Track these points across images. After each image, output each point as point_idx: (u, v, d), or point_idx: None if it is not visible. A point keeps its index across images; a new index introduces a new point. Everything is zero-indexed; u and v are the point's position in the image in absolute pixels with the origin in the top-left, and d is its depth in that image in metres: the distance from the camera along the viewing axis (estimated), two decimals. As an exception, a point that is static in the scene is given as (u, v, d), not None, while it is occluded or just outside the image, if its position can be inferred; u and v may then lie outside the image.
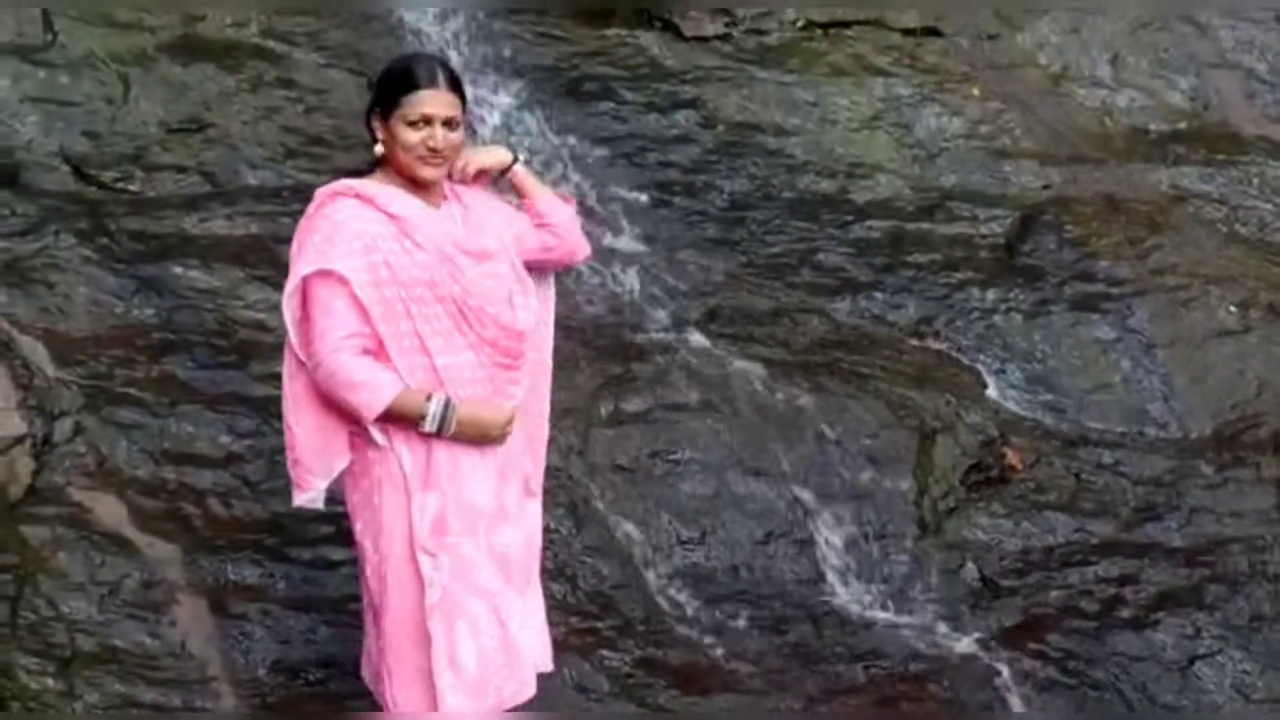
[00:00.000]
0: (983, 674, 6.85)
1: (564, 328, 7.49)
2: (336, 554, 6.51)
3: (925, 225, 8.76)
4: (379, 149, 5.28)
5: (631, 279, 8.01)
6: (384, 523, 5.22)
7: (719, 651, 6.68)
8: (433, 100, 5.23)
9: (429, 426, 5.11)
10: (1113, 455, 7.91)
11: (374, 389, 5.07)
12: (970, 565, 7.27)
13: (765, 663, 6.59)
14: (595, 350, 7.55)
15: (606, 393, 7.36)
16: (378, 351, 5.12)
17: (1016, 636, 7.04)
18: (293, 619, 6.32)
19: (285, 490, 6.47)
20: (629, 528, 6.95)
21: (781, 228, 8.51)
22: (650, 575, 6.84)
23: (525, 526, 5.53)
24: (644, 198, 8.39)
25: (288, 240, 7.40)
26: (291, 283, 5.14)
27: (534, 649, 5.46)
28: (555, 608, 6.54)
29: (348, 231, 5.11)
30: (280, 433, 6.56)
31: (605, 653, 6.52)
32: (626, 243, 8.24)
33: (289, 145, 7.93)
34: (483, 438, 5.21)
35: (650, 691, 6.44)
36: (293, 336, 5.19)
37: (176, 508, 6.50)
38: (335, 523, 6.55)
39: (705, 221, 8.48)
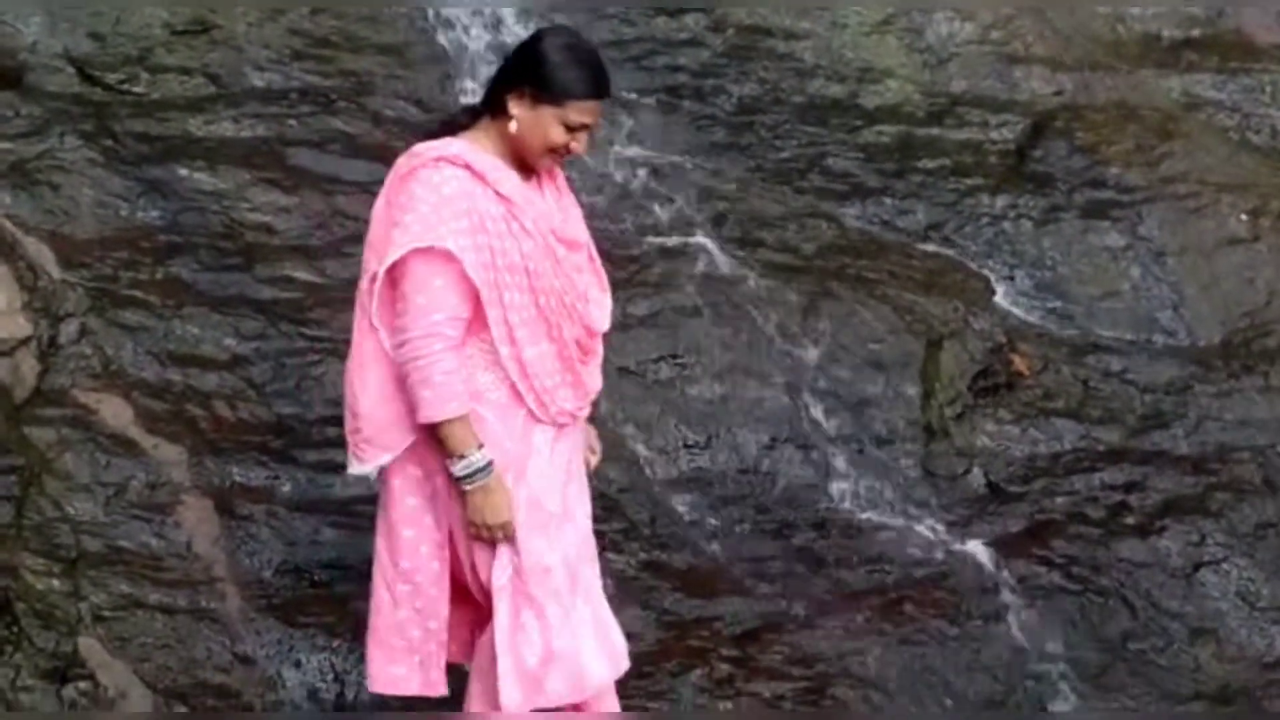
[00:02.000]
0: (987, 579, 6.87)
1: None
2: (341, 456, 6.46)
3: (935, 131, 8.70)
4: (513, 126, 4.89)
5: (639, 183, 7.96)
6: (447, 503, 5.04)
7: (724, 555, 6.70)
8: (597, 111, 5.01)
9: (458, 471, 4.85)
10: (1121, 362, 7.90)
11: (443, 398, 4.79)
12: (976, 471, 7.28)
13: (770, 567, 6.60)
14: (601, 254, 7.49)
15: (613, 296, 7.31)
16: (462, 338, 4.88)
17: (1021, 542, 7.05)
18: (298, 520, 6.33)
19: (291, 392, 6.54)
20: (635, 432, 6.95)
21: (790, 132, 8.45)
22: (656, 479, 6.84)
23: (581, 528, 5.26)
24: (652, 102, 8.32)
25: (295, 142, 7.50)
26: (394, 252, 4.78)
27: (591, 652, 5.16)
28: (561, 512, 6.57)
29: (457, 207, 4.80)
30: (287, 336, 6.68)
31: (611, 556, 6.50)
32: (634, 147, 8.19)
33: (295, 47, 7.84)
34: (478, 514, 4.90)
35: (655, 594, 6.46)
36: (374, 304, 4.89)
37: (182, 410, 6.50)
38: (341, 425, 6.56)
39: (714, 126, 8.42)
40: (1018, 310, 8.03)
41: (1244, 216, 8.81)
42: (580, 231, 5.19)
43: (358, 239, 7.08)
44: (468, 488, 4.87)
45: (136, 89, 7.57)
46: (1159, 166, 8.83)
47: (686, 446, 6.98)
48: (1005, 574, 6.90)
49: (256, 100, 7.65)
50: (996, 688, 6.52)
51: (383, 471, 5.08)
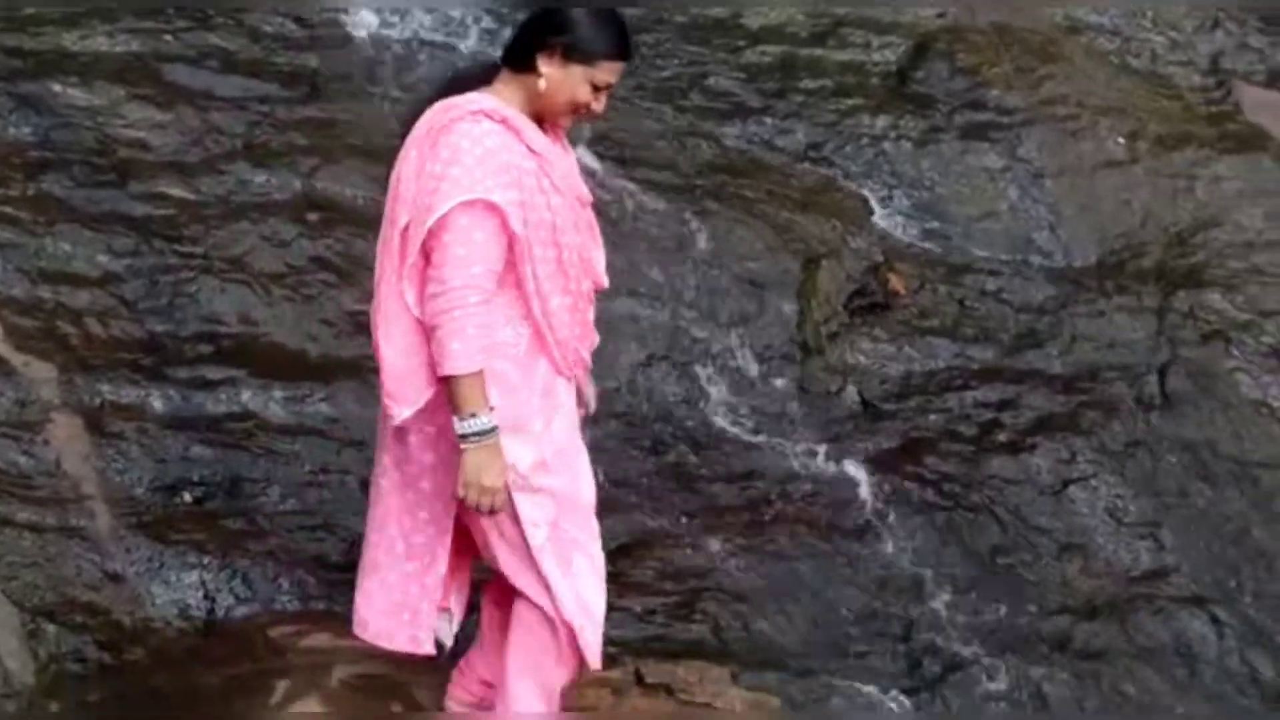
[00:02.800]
0: (860, 496, 6.93)
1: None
2: (214, 373, 6.50)
3: (818, 51, 8.72)
4: (541, 84, 4.83)
5: (519, 101, 7.95)
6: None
7: (598, 472, 6.67)
8: (621, 71, 4.97)
9: (463, 429, 4.72)
10: (996, 282, 7.96)
11: (470, 351, 4.69)
12: (851, 389, 7.33)
13: (644, 483, 6.63)
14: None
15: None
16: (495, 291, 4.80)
17: (894, 459, 7.11)
18: (169, 438, 6.31)
19: (163, 310, 6.52)
20: (510, 349, 6.95)
21: (673, 51, 8.46)
22: (530, 396, 6.85)
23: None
24: (535, 20, 8.32)
25: (170, 58, 7.44)
26: (443, 205, 4.68)
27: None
28: (434, 429, 6.57)
29: (499, 160, 4.74)
30: (160, 253, 6.64)
31: (485, 473, 6.54)
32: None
33: (171, -39, 7.78)
34: (474, 474, 4.76)
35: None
36: (408, 260, 4.79)
37: (53, 327, 6.45)
38: (214, 342, 6.57)
39: (596, 44, 8.42)
40: (895, 230, 8.08)
41: (1121, 139, 8.89)
42: (584, 187, 5.14)
43: (233, 155, 7.11)
44: (470, 446, 4.75)
45: (8, 3, 7.48)
46: (1039, 89, 8.90)
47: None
48: (878, 490, 6.96)
49: (131, 15, 7.59)
50: (867, 602, 6.57)
51: (397, 427, 4.99)
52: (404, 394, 4.85)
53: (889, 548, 6.75)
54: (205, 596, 5.91)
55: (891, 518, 6.86)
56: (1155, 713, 6.52)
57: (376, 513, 5.14)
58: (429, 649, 5.14)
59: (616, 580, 6.16)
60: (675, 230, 7.53)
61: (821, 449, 7.02)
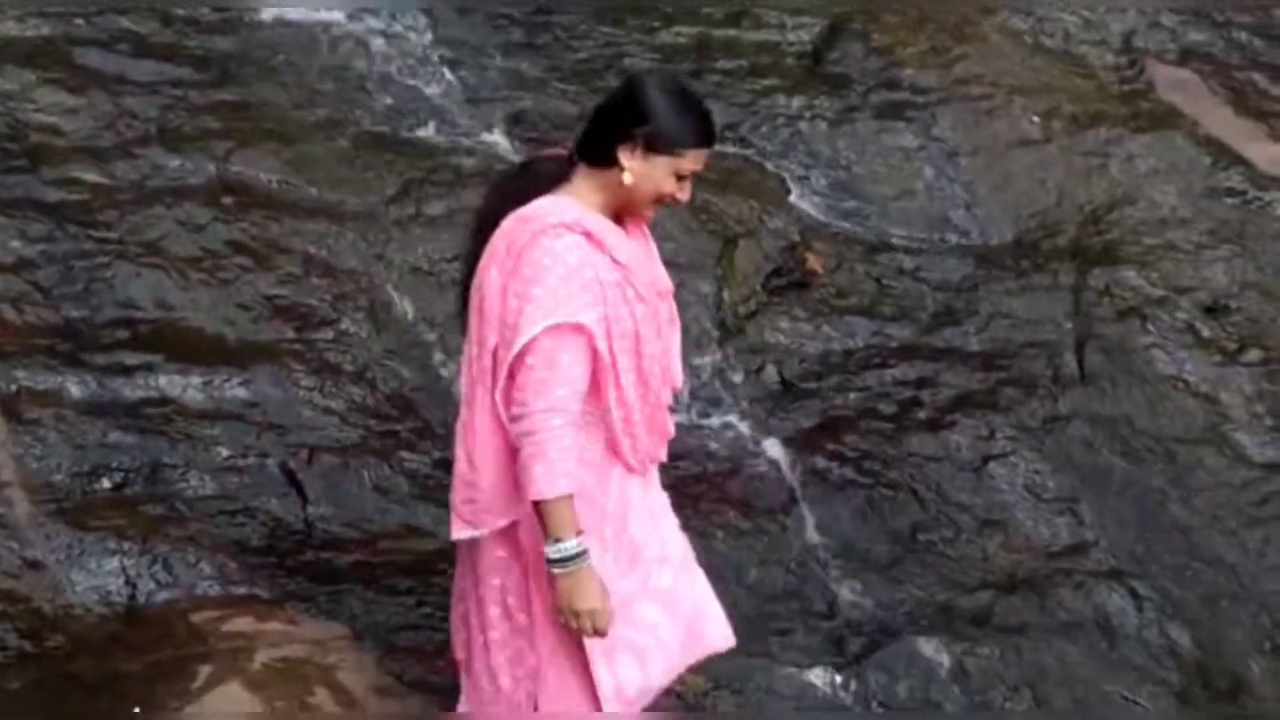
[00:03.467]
0: (780, 474, 6.94)
1: (364, 131, 7.48)
2: (131, 359, 6.45)
3: (732, 32, 8.75)
4: (626, 178, 4.66)
5: (435, 82, 7.93)
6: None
7: (518, 453, 6.71)
8: (706, 158, 4.81)
9: (553, 554, 4.65)
10: (914, 261, 7.99)
11: (554, 475, 4.58)
12: (770, 368, 7.34)
13: (563, 464, 6.61)
14: (396, 152, 7.48)
15: (407, 195, 7.31)
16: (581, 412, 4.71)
17: (814, 437, 7.12)
18: (87, 424, 6.25)
19: (79, 295, 6.48)
20: (429, 331, 6.94)
21: (588, 33, 8.47)
22: (451, 378, 6.83)
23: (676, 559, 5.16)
24: (450, 2, 8.31)
25: (82, 41, 7.38)
26: (529, 329, 4.54)
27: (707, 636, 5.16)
28: (355, 410, 6.58)
29: (584, 278, 4.58)
30: (74, 238, 6.60)
31: (405, 454, 6.52)
32: (432, 46, 8.16)
33: (82, -56, 7.71)
34: (566, 600, 4.72)
35: (449, 492, 6.45)
36: (499, 383, 4.66)
37: (-34, 313, 6.40)
38: (131, 327, 6.52)
39: (511, 26, 8.43)
40: (812, 209, 8.10)
41: (1036, 118, 8.94)
42: (666, 277, 5.02)
43: (146, 140, 7.07)
44: (559, 572, 4.68)
45: (-84, -12, 7.42)
46: (953, 69, 8.95)
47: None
48: (798, 468, 6.98)
49: (42, -1, 7.53)
50: (789, 580, 6.59)
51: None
52: (500, 509, 4.79)
53: (810, 526, 6.77)
54: (126, 582, 5.86)
55: (812, 496, 6.87)
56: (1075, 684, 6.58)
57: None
58: None
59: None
60: (593, 211, 7.51)
61: (742, 428, 7.03)
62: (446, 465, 6.40)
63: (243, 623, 5.76)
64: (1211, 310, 8.21)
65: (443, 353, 6.88)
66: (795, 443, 7.07)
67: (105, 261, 6.68)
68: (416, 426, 6.64)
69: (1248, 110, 9.53)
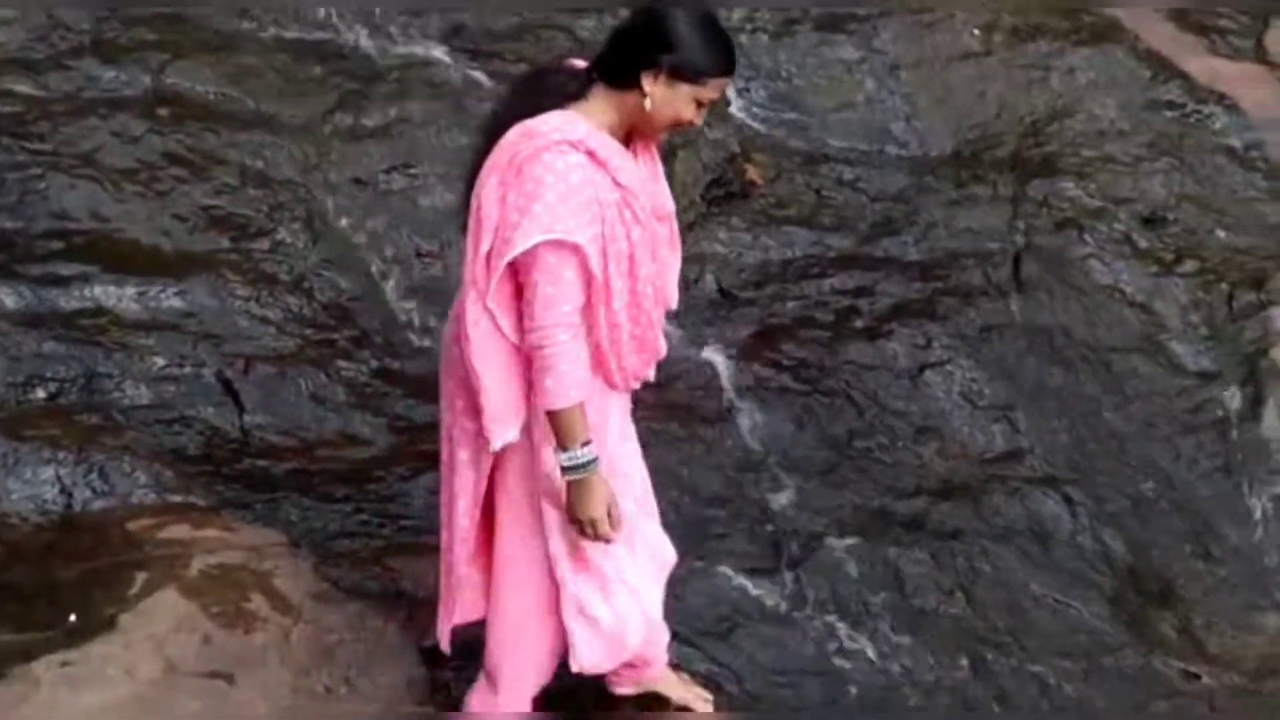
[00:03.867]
0: (718, 382, 6.97)
1: (301, 42, 7.44)
2: (66, 270, 6.44)
3: (672, -56, 8.70)
4: (647, 103, 4.61)
5: (373, -5, 7.92)
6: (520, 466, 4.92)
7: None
8: (726, 86, 4.87)
9: (565, 463, 4.70)
10: (853, 172, 8.01)
11: (565, 386, 4.61)
12: (709, 277, 7.35)
13: (502, 372, 6.63)
14: (334, 65, 7.46)
15: (345, 107, 7.29)
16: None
17: (752, 346, 7.14)
18: (22, 335, 6.25)
19: (13, 206, 6.52)
20: (367, 241, 6.94)
21: (527, -55, 8.44)
22: (388, 288, 6.84)
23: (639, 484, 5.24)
24: (387, -86, 8.29)
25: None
26: (524, 242, 4.50)
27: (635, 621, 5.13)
28: (291, 320, 6.59)
29: (583, 197, 4.54)
30: (8, 150, 6.66)
31: (342, 363, 6.54)
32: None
33: None
34: (575, 508, 4.77)
35: (387, 400, 6.49)
36: (492, 287, 4.61)
37: (-102, 225, 6.38)
38: (65, 238, 6.51)
39: (449, -62, 8.40)
40: (752, 121, 8.10)
41: (976, 31, 8.95)
42: (669, 200, 5.01)
43: (80, 51, 7.06)
44: (570, 479, 4.73)
45: None
46: (894, -21, 8.94)
47: (418, 255, 6.97)
48: (736, 376, 6.99)
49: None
50: (726, 486, 6.61)
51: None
52: (506, 418, 4.75)
53: (747, 433, 6.80)
54: (62, 491, 5.86)
55: (749, 403, 6.90)
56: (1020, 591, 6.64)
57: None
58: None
59: (476, 468, 6.21)
60: (531, 123, 7.50)
61: (680, 337, 7.03)
62: (384, 374, 6.49)
63: (179, 530, 5.77)
64: (1149, 221, 8.26)
65: (380, 262, 6.89)
66: (733, 351, 7.09)
67: (39, 173, 6.66)
68: (353, 335, 6.65)
69: (1188, 24, 9.56)
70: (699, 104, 4.67)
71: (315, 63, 7.45)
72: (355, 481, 6.17)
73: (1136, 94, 8.88)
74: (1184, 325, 7.79)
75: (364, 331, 6.67)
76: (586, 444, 4.70)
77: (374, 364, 6.58)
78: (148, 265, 6.56)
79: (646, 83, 4.59)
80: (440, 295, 6.85)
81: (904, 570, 6.52)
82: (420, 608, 5.62)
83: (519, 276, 4.60)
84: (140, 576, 5.50)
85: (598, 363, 4.83)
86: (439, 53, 7.69)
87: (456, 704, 5.28)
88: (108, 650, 5.16)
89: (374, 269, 6.87)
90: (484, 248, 4.61)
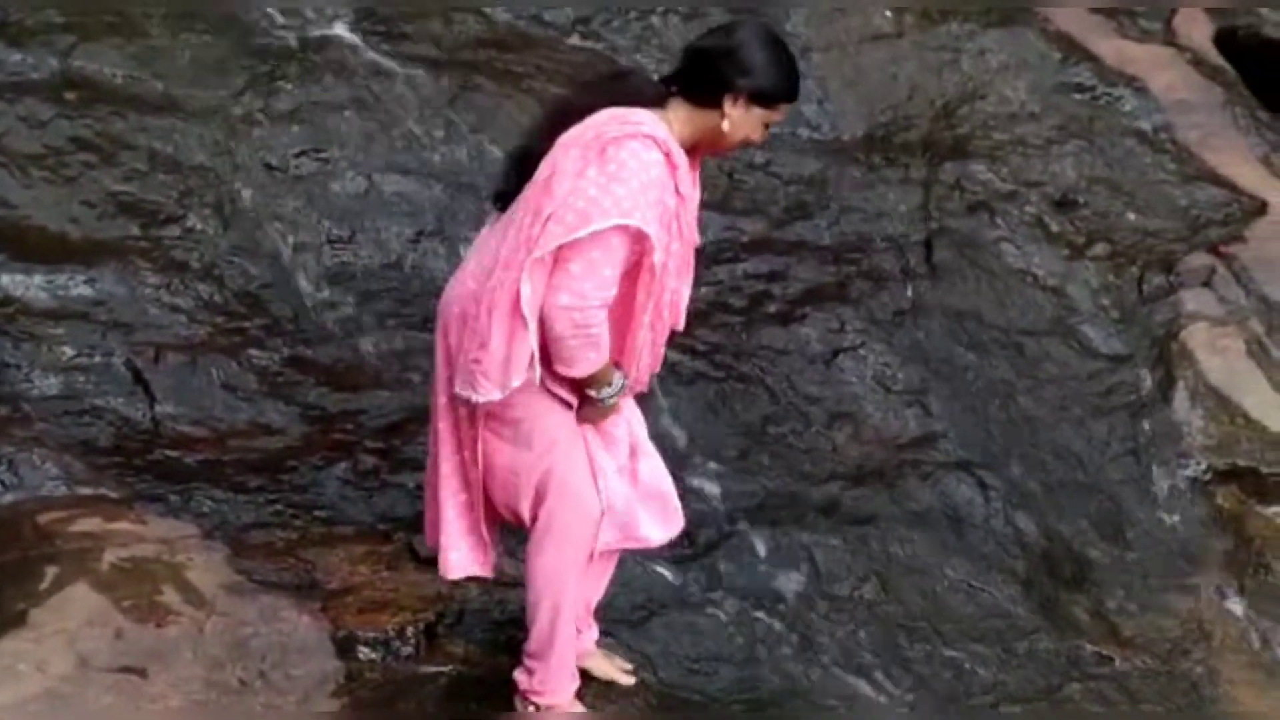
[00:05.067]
0: (632, 368, 6.95)
1: (210, 24, 7.37)
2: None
3: (583, -76, 8.68)
4: (725, 124, 4.82)
5: (281, -24, 7.83)
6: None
7: (369, 349, 6.68)
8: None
9: (605, 395, 4.88)
10: (765, 156, 7.99)
11: (602, 354, 4.77)
12: (621, 262, 7.32)
13: (414, 360, 6.59)
14: (243, 48, 7.39)
15: (254, 91, 7.22)
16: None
17: (666, 331, 7.12)
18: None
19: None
20: (277, 227, 6.88)
21: (434, -74, 8.38)
22: (299, 275, 6.78)
23: None
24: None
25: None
26: (602, 220, 4.61)
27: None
28: (202, 308, 6.54)
29: (657, 193, 4.71)
30: None
31: (253, 352, 6.49)
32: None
33: None
34: (602, 418, 5.00)
35: (299, 389, 6.44)
36: (543, 251, 4.64)
37: None
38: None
39: (355, -82, 8.33)
40: (665, 105, 8.07)
41: (889, 13, 8.99)
42: (697, 231, 5.12)
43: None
44: (606, 406, 4.93)
45: None
46: (806, -37, 8.93)
47: (330, 241, 6.92)
48: (650, 363, 6.98)
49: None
50: (640, 473, 6.60)
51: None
52: (498, 378, 4.78)
53: (661, 418, 6.77)
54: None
55: (664, 388, 6.86)
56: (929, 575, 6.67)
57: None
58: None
59: (388, 457, 6.21)
60: (443, 107, 7.47)
61: (593, 322, 7.01)
62: (296, 362, 6.44)
63: (90, 523, 5.70)
64: (1060, 204, 8.31)
65: (291, 249, 6.83)
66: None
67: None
68: (265, 323, 6.60)
69: (1097, 7, 9.60)
70: (766, 126, 4.92)
71: (224, 45, 7.37)
72: (268, 472, 6.12)
73: (1047, 76, 8.93)
74: (1095, 308, 7.85)
75: (275, 319, 6.63)
76: (613, 379, 4.89)
77: (286, 352, 6.54)
78: (55, 253, 6.49)
79: (727, 104, 4.82)
80: (354, 281, 6.83)
81: (818, 556, 6.54)
82: (334, 599, 5.59)
83: (565, 249, 4.67)
84: (51, 570, 5.42)
85: (624, 357, 4.96)
86: (347, 34, 7.63)
87: (372, 695, 5.26)
88: (18, 646, 5.08)
89: (285, 255, 6.82)
90: (546, 213, 4.68)
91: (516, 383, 4.77)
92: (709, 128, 4.85)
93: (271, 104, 7.19)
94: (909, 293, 7.63)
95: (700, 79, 4.85)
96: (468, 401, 4.86)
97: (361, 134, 7.21)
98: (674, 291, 4.98)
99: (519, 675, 5.17)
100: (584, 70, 7.92)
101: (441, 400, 5.04)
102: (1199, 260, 8.20)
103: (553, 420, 4.92)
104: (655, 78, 5.07)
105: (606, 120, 4.75)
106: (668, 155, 4.74)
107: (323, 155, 7.12)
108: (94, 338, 6.32)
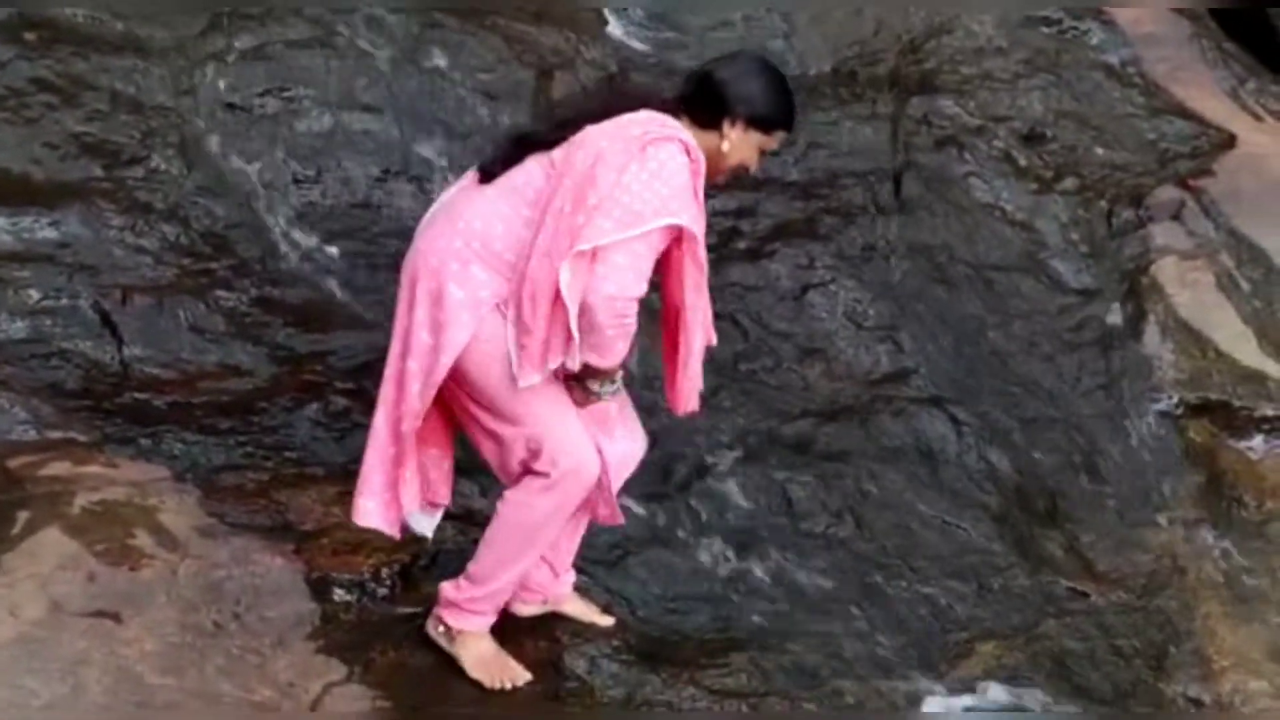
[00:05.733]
0: (602, 307, 6.90)
1: (170, -37, 7.27)
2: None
3: None
4: (725, 145, 5.09)
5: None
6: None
7: (337, 289, 6.64)
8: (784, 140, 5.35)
9: (606, 391, 5.10)
10: (733, 91, 7.92)
11: (627, 347, 4.99)
12: (590, 201, 7.27)
13: (382, 299, 6.49)
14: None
15: (216, 30, 7.13)
16: None
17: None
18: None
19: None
20: (243, 166, 6.81)
21: None
22: (266, 214, 6.72)
23: None
24: None
25: None
26: (655, 219, 4.80)
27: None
28: (168, 249, 6.48)
29: (695, 201, 4.95)
30: None
31: (221, 293, 6.43)
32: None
33: None
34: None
35: (268, 330, 6.39)
36: (587, 244, 4.76)
37: None
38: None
39: None
40: (629, 40, 8.03)
41: (853, -52, 8.91)
42: None
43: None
44: (603, 398, 5.12)
45: None
46: (769, -102, 8.86)
47: (296, 181, 6.85)
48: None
49: None
50: (612, 412, 6.57)
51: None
52: (538, 362, 4.91)
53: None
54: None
55: (633, 327, 6.84)
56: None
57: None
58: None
59: (359, 398, 6.18)
60: (406, 44, 7.40)
61: (561, 265, 6.97)
62: (264, 302, 6.39)
63: (60, 467, 5.65)
64: (1028, 139, 8.29)
65: (256, 189, 6.77)
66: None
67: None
68: (232, 264, 6.54)
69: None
70: (761, 152, 5.19)
71: (185, -16, 7.29)
72: (238, 413, 6.07)
73: (1013, 10, 8.88)
74: (1064, 243, 7.83)
75: (242, 260, 6.57)
76: (617, 378, 5.13)
77: (253, 293, 6.48)
78: (19, 195, 6.41)
79: (726, 127, 5.09)
80: (321, 220, 6.77)
81: (792, 493, 6.53)
82: (307, 541, 5.56)
83: (609, 245, 4.83)
84: (22, 515, 5.37)
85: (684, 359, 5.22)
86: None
87: (347, 637, 5.24)
88: (-10, 591, 5.06)
89: (251, 195, 6.75)
90: (591, 201, 4.81)
91: (553, 366, 4.92)
92: (709, 148, 5.06)
93: (233, 43, 7.09)
94: (878, 228, 7.60)
95: (703, 101, 5.12)
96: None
97: (326, 72, 7.12)
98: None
99: (447, 585, 5.23)
100: (546, 7, 7.89)
101: (396, 348, 5.07)
102: (1168, 194, 8.18)
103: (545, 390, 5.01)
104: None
105: (647, 120, 4.96)
106: (694, 163, 4.96)
107: (287, 94, 7.03)
108: (60, 280, 6.25)
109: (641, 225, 4.79)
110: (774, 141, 5.21)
